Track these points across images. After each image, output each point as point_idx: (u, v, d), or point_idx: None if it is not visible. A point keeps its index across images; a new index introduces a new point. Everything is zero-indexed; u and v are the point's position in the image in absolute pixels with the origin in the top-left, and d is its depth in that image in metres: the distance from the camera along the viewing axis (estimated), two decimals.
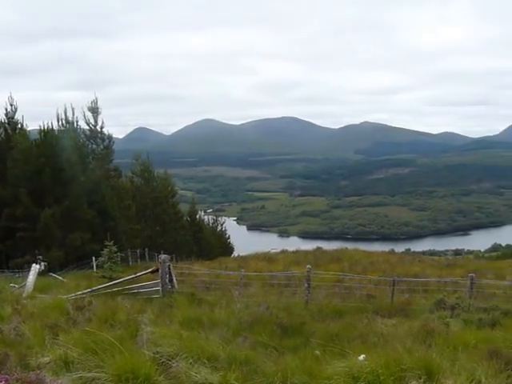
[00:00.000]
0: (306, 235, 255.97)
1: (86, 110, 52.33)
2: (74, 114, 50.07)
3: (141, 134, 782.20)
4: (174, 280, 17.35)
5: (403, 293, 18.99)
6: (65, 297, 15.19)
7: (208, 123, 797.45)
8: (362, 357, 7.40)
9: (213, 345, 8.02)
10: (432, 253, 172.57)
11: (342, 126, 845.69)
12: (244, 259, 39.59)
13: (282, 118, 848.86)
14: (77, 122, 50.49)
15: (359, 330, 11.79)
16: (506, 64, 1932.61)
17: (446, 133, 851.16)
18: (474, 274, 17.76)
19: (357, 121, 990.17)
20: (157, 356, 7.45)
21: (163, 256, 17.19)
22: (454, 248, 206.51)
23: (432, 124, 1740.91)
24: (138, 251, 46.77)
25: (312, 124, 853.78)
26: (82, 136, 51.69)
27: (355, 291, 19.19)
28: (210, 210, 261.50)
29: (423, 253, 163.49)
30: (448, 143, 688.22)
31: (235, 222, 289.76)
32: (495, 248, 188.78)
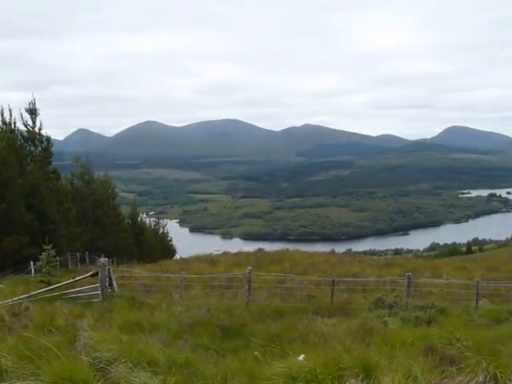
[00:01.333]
0: (248, 237, 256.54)
1: (23, 111, 51.02)
2: (11, 115, 48.78)
3: (82, 135, 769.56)
4: (114, 283, 17.11)
5: (343, 292, 19.22)
6: (0, 303, 14.79)
7: (150, 125, 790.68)
8: (301, 357, 7.42)
9: (153, 349, 7.94)
10: (372, 253, 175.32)
11: (283, 128, 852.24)
12: (186, 261, 39.40)
13: (225, 120, 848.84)
14: (14, 123, 49.14)
15: (300, 330, 11.84)
16: (444, 68, 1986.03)
17: (385, 135, 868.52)
18: (411, 273, 18.13)
19: (298, 123, 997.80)
20: (95, 361, 7.29)
21: (103, 259, 16.91)
22: (393, 247, 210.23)
23: (372, 126, 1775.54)
24: (78, 255, 45.87)
25: (254, 126, 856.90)
26: (20, 138, 50.36)
27: (296, 292, 19.32)
28: (152, 213, 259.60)
29: (364, 253, 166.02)
30: (387, 145, 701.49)
31: (177, 225, 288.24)
32: (433, 247, 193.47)
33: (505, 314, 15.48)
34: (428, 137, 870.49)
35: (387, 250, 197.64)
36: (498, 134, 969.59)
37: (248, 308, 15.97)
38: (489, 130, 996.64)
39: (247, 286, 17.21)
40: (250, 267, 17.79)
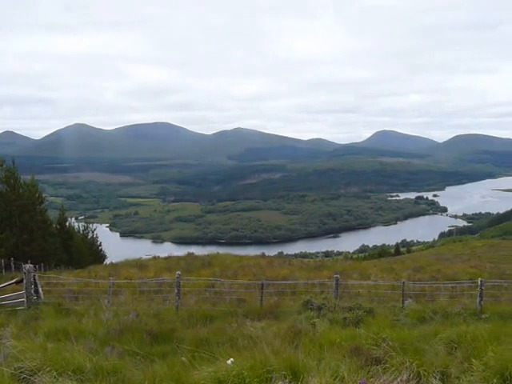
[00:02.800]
0: (180, 241, 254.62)
1: None
2: None
3: (7, 138, 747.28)
4: (40, 290, 16.71)
5: (272, 296, 19.30)
6: None
7: (79, 128, 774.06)
8: (230, 361, 7.44)
9: (79, 356, 7.77)
10: (304, 255, 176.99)
11: (215, 131, 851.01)
12: (115, 267, 38.78)
13: (155, 123, 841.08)
14: None
15: (229, 334, 11.85)
16: (371, 74, 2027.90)
17: (316, 139, 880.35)
18: (339, 275, 18.39)
19: (230, 127, 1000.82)
20: (17, 372, 7.11)
21: (28, 266, 16.50)
22: (324, 250, 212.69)
23: (302, 130, 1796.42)
24: (3, 261, 44.59)
25: (185, 130, 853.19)
26: None
27: (226, 296, 19.31)
28: (82, 217, 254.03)
29: (295, 256, 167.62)
30: (317, 149, 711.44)
31: (108, 229, 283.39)
32: (363, 249, 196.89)
33: (429, 313, 15.86)
34: (357, 141, 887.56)
35: (318, 253, 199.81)
36: (424, 138, 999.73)
37: (177, 313, 15.86)
38: (415, 134, 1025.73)
39: (176, 291, 17.09)
40: (178, 272, 17.68)
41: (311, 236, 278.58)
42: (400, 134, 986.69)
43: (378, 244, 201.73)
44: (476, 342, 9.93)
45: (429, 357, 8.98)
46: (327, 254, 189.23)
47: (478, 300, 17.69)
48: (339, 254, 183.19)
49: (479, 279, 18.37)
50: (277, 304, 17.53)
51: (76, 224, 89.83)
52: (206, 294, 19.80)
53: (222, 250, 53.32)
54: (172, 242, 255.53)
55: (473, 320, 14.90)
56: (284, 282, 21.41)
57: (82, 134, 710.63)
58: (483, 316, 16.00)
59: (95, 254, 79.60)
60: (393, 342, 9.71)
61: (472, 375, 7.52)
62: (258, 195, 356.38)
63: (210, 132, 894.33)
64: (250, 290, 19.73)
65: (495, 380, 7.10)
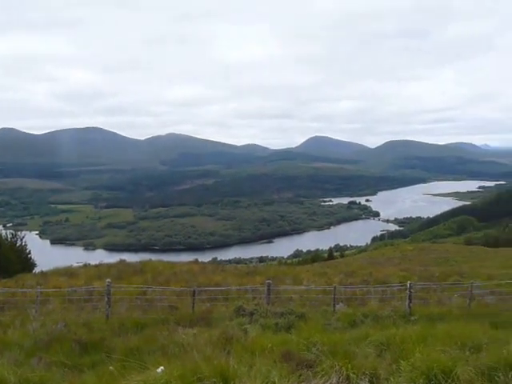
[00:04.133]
0: (112, 248, 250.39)
1: None
2: None
3: None
4: None
5: (205, 302, 19.20)
6: None
7: (7, 132, 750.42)
8: (160, 369, 7.34)
9: (2, 369, 7.52)
10: (238, 261, 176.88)
11: (148, 137, 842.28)
12: (44, 275, 37.76)
13: (87, 128, 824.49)
14: None
15: (160, 341, 11.70)
16: (305, 80, 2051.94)
17: (250, 144, 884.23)
18: (270, 281, 18.43)
19: (163, 132, 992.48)
20: None
21: None
22: (258, 255, 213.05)
23: (236, 136, 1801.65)
24: None
25: (117, 135, 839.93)
26: None
27: (157, 303, 19.08)
28: (10, 224, 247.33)
29: (229, 261, 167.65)
30: (252, 154, 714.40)
31: (38, 237, 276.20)
32: (297, 254, 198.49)
33: (360, 316, 16.09)
34: (291, 146, 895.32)
35: (252, 258, 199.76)
36: (356, 143, 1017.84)
37: (108, 321, 15.58)
38: (348, 139, 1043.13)
39: (107, 299, 16.79)
40: (108, 279, 17.36)
41: (245, 242, 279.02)
42: (333, 139, 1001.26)
43: (312, 249, 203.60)
44: (404, 343, 10.11)
45: (359, 360, 9.07)
46: (261, 260, 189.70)
47: (407, 303, 18.05)
48: (273, 259, 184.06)
49: (408, 282, 18.77)
50: (209, 310, 17.45)
51: (4, 231, 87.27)
52: (137, 301, 19.52)
53: (155, 257, 52.79)
54: (104, 249, 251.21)
55: (402, 322, 15.21)
56: (216, 288, 21.34)
57: (10, 139, 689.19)
58: (412, 318, 16.35)
59: (24, 263, 77.12)
60: (324, 346, 9.79)
61: (400, 376, 7.66)
62: (192, 201, 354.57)
63: (143, 137, 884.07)
64: (182, 297, 19.58)
65: (421, 380, 7.26)
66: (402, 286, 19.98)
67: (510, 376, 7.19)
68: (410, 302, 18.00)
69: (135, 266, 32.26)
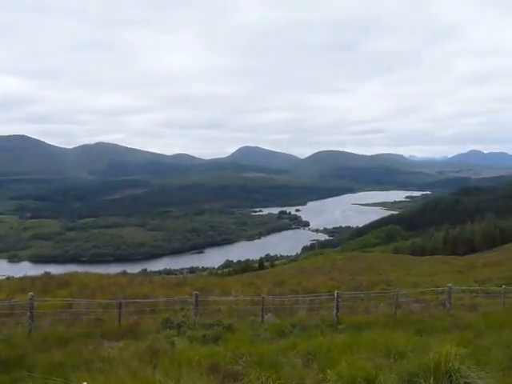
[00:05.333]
0: (38, 259, 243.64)
1: None
2: None
3: None
4: None
5: (132, 314, 18.86)
6: None
7: None
8: None
9: None
10: (168, 272, 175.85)
11: (76, 145, 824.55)
12: None
13: (9, 136, 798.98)
14: None
15: (85, 356, 11.40)
16: (235, 90, 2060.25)
17: (180, 154, 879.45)
18: (198, 292, 18.26)
19: (92, 141, 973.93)
20: None
21: None
22: (189, 266, 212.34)
23: (166, 145, 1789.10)
24: None
25: (43, 143, 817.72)
26: None
27: (83, 316, 18.62)
28: None
29: (160, 272, 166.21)
30: (182, 164, 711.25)
31: None
32: (227, 264, 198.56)
33: (288, 326, 16.13)
34: (222, 156, 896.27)
35: (183, 269, 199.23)
36: (286, 154, 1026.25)
37: (30, 336, 15.08)
38: (278, 150, 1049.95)
39: (29, 313, 16.24)
40: (31, 293, 16.82)
41: (176, 252, 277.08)
42: (263, 149, 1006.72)
43: (243, 259, 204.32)
44: (331, 352, 10.21)
45: (286, 370, 9.09)
46: (192, 270, 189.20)
47: (334, 312, 18.22)
48: (204, 269, 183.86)
49: (336, 291, 18.97)
50: (136, 323, 17.12)
51: None
52: (62, 315, 18.97)
53: (82, 269, 51.71)
54: (30, 261, 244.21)
55: (330, 331, 15.34)
56: (144, 300, 21.00)
57: None
58: (340, 327, 16.51)
59: None
60: (251, 357, 9.78)
61: None
62: (121, 211, 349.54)
63: (70, 146, 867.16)
64: (109, 310, 19.17)
65: None
66: (330, 295, 20.18)
67: (430, 382, 7.32)
68: (338, 311, 18.18)
69: (61, 279, 31.39)
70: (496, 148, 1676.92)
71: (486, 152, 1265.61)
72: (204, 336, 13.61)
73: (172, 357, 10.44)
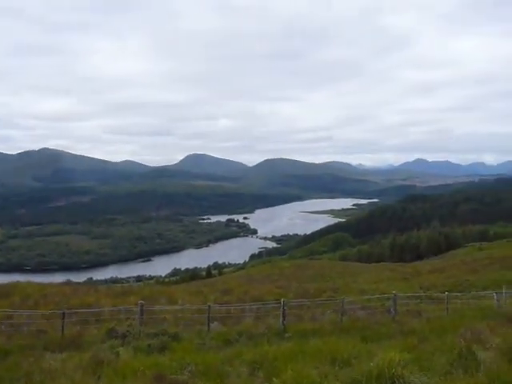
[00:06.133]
0: None
1: None
2: None
3: None
4: None
5: (76, 325, 18.44)
6: None
7: None
8: None
9: None
10: (115, 280, 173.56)
11: (19, 151, 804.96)
12: None
13: None
14: None
15: (25, 369, 11.06)
16: (184, 97, 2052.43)
17: (127, 161, 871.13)
18: (143, 301, 18.00)
19: (36, 147, 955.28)
20: None
21: None
22: (136, 274, 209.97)
23: (113, 152, 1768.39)
24: None
25: None
26: None
27: (24, 327, 18.11)
28: None
29: (106, 281, 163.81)
30: (129, 171, 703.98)
31: None
32: (175, 272, 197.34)
33: (234, 335, 16.06)
34: (170, 164, 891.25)
35: (130, 278, 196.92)
36: (235, 161, 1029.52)
37: None
38: (227, 157, 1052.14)
39: None
40: None
41: (123, 260, 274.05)
42: (212, 157, 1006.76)
43: (190, 267, 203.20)
44: (277, 361, 10.19)
45: (231, 379, 9.06)
46: (139, 279, 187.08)
47: (281, 320, 18.20)
48: (151, 278, 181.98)
49: (282, 299, 18.95)
50: (80, 334, 16.73)
51: None
52: (1, 327, 18.42)
53: (26, 278, 50.41)
54: None
55: (276, 339, 15.33)
56: (88, 310, 20.59)
57: None
58: (286, 335, 16.50)
59: None
60: (197, 367, 9.72)
61: None
62: (66, 219, 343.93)
63: (13, 152, 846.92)
64: (52, 321, 18.71)
65: None
66: (276, 303, 20.17)
67: None
68: (284, 319, 18.17)
69: (1, 289, 30.54)
70: (440, 156, 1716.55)
71: (430, 160, 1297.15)
72: (149, 346, 13.44)
73: (116, 367, 10.29)
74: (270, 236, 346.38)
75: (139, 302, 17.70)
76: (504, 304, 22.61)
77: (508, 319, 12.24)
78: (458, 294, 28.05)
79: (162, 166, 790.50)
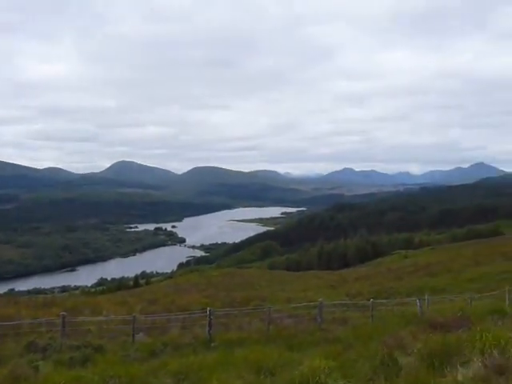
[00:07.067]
0: None
1: None
2: None
3: None
4: None
5: None
6: None
7: None
8: None
9: None
10: (38, 291, 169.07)
11: None
12: None
13: None
14: None
15: None
16: (111, 103, 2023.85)
17: (53, 168, 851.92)
18: (66, 313, 17.54)
19: None
20: None
21: None
22: (61, 285, 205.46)
23: (37, 159, 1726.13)
24: None
25: None
26: None
27: None
28: None
29: (28, 292, 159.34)
30: (54, 178, 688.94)
31: None
32: (101, 282, 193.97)
33: (160, 346, 15.89)
34: (96, 171, 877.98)
35: (54, 288, 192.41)
36: (163, 169, 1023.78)
37: None
38: (155, 165, 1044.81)
39: None
40: None
41: (47, 270, 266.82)
42: (140, 164, 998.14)
43: (117, 276, 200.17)
44: (203, 371, 10.14)
45: None
46: (64, 289, 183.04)
47: (207, 329, 18.08)
48: (77, 288, 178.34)
49: (208, 309, 18.84)
50: None
51: None
52: None
53: None
54: None
55: (202, 349, 15.23)
56: (7, 322, 19.87)
57: None
58: (212, 345, 16.43)
59: None
60: (120, 379, 9.57)
61: None
62: None
63: None
64: None
65: None
66: (203, 312, 20.04)
67: None
68: (211, 328, 18.05)
69: None
70: (367, 166, 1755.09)
71: (358, 170, 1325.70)
72: (71, 359, 13.08)
73: (35, 382, 9.99)
74: (199, 245, 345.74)
75: (61, 313, 17.23)
76: (426, 310, 23.16)
77: (429, 325, 12.52)
78: (383, 301, 28.56)
79: (89, 174, 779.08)
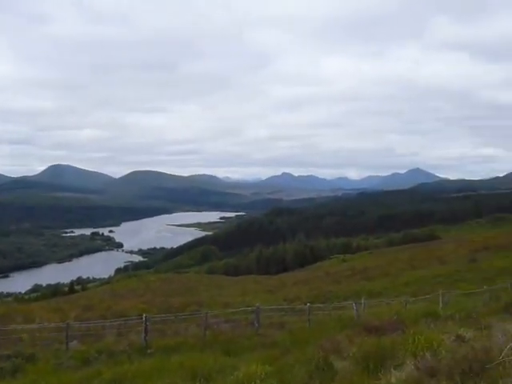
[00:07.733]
0: None
1: None
2: None
3: None
4: None
5: None
6: None
7: None
8: None
9: None
10: None
11: None
12: None
13: None
14: None
15: None
16: (46, 105, 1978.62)
17: None
18: None
19: None
20: None
21: None
22: None
23: None
24: None
25: None
26: None
27: None
28: None
29: None
30: None
31: None
32: (36, 289, 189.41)
33: (94, 353, 15.63)
34: (30, 174, 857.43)
35: None
36: (100, 173, 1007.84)
37: None
38: (92, 169, 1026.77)
39: None
40: None
41: None
42: (76, 168, 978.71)
43: (53, 283, 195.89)
44: (137, 379, 10.02)
45: None
46: None
47: (143, 336, 17.88)
48: (9, 295, 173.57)
49: (144, 315, 18.64)
50: None
51: None
52: None
53: None
54: None
55: (138, 356, 15.04)
56: None
57: None
58: (148, 351, 16.27)
59: None
60: None
61: None
62: None
63: None
64: None
65: None
66: (139, 318, 19.79)
67: None
68: (146, 334, 17.86)
69: None
70: (306, 171, 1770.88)
71: (296, 175, 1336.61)
72: (0, 369, 12.68)
73: None
74: (137, 249, 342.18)
75: None
76: (362, 314, 23.48)
77: (365, 328, 12.66)
78: (321, 305, 28.82)
79: (22, 177, 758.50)
